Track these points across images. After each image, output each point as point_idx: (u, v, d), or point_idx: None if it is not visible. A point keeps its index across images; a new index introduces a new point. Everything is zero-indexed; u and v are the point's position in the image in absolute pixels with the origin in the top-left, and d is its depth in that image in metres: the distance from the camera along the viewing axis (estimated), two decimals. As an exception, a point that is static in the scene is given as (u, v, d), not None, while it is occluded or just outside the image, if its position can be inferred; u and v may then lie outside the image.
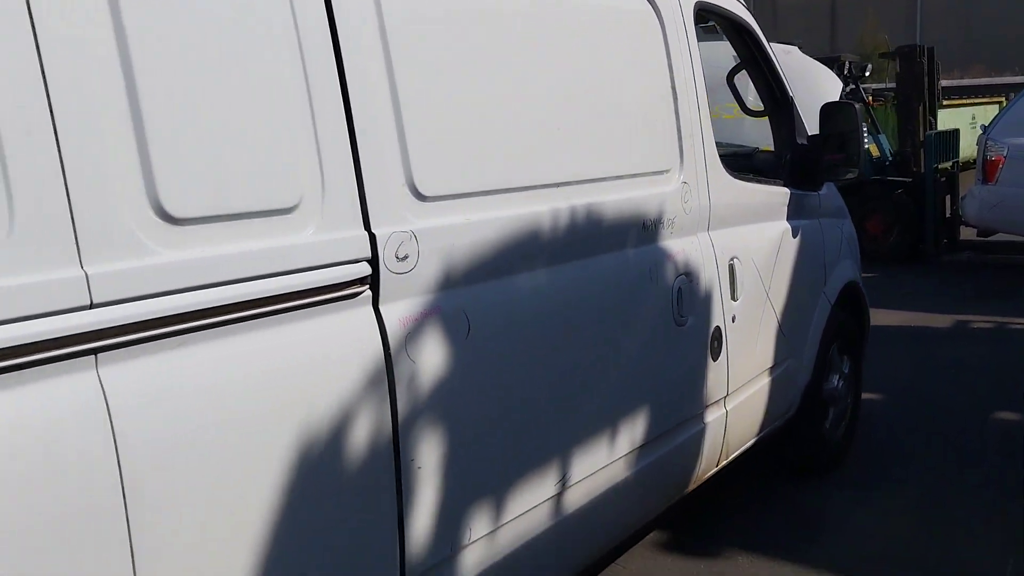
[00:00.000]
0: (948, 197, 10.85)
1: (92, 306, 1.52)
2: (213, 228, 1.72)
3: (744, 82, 4.37)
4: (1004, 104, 18.66)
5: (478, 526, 2.32)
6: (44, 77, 1.47)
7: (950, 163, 11.00)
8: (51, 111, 1.48)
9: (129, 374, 1.58)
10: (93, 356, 1.53)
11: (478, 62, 2.37)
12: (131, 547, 1.57)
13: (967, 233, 10.79)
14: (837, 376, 4.55)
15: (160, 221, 1.63)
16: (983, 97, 22.24)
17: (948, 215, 10.84)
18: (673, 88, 3.18)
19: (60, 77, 1.49)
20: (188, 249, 1.67)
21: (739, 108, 4.58)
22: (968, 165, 13.01)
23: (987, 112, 18.51)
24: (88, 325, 1.51)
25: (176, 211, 1.65)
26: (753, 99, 4.43)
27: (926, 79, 10.96)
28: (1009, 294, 8.63)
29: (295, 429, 1.83)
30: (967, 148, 12.99)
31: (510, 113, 2.47)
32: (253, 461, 1.76)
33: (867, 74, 11.65)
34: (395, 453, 2.05)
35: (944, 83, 16.13)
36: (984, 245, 10.72)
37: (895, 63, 11.52)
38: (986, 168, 9.87)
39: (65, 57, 1.50)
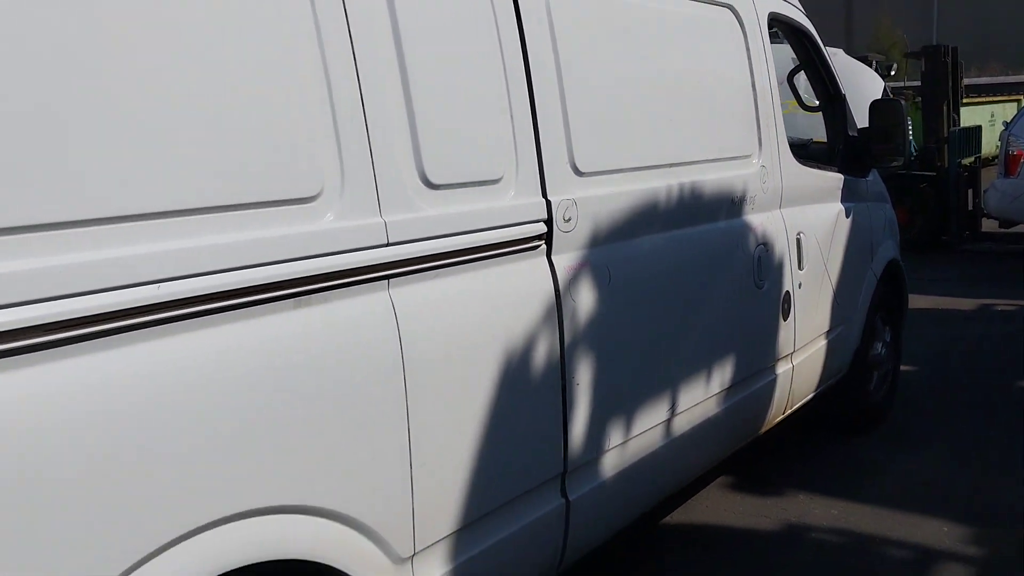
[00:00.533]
0: (970, 191, 11.37)
1: (388, 244, 2.11)
2: (456, 192, 2.31)
3: (799, 80, 4.93)
4: (1023, 102, 19.12)
5: (615, 436, 2.90)
6: (361, 95, 2.06)
7: (972, 158, 11.51)
8: (365, 115, 2.07)
9: (407, 294, 2.17)
10: (386, 280, 2.13)
11: (618, 67, 2.96)
12: (407, 423, 2.16)
13: (988, 226, 11.33)
14: (880, 343, 5.11)
15: (424, 187, 2.22)
16: (1001, 95, 22.69)
17: (970, 207, 11.37)
18: (753, 85, 3.75)
19: (372, 95, 2.09)
20: (442, 207, 2.26)
21: (795, 104, 5.15)
22: (988, 161, 13.52)
23: (1005, 110, 18.98)
24: (384, 258, 2.10)
25: (435, 180, 2.25)
26: (807, 96, 4.97)
27: (950, 78, 11.46)
28: (1029, 281, 9.17)
29: (503, 340, 2.42)
30: (987, 144, 13.49)
31: (637, 106, 3.05)
32: (475, 360, 2.35)
33: (892, 73, 12.17)
34: (562, 369, 2.64)
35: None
36: (1005, 236, 11.24)
37: (919, 62, 12.03)
38: (1008, 162, 10.40)
39: (375, 77, 2.10)
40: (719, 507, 4.25)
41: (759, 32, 3.85)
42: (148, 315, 1.68)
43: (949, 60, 11.44)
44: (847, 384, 4.84)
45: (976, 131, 11.99)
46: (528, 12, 2.58)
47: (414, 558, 2.22)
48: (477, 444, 2.35)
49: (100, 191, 1.63)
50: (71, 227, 1.58)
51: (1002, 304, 8.17)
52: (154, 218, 1.70)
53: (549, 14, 2.66)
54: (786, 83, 4.80)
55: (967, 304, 8.20)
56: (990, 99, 20.49)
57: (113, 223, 1.64)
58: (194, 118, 1.77)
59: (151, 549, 1.66)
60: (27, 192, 1.53)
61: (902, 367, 5.65)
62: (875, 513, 4.11)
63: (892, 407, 5.30)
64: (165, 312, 1.70)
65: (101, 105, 1.63)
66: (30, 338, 1.51)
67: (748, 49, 3.75)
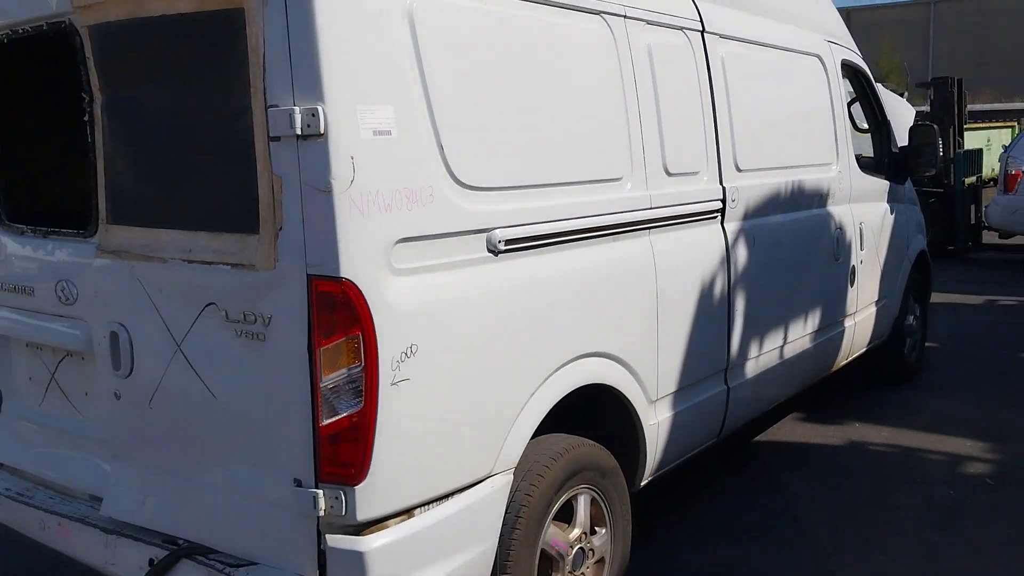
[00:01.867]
0: (973, 206, 12.79)
1: (650, 208, 3.47)
2: (680, 178, 3.67)
3: (855, 108, 6.32)
4: (1017, 128, 20.57)
5: (754, 349, 4.25)
6: (641, 127, 3.43)
7: (975, 177, 12.93)
8: (642, 136, 3.44)
9: (657, 237, 3.53)
10: (648, 229, 3.48)
11: (759, 99, 4.34)
12: (657, 317, 3.51)
13: (988, 237, 12.77)
14: (912, 316, 6.48)
15: (666, 175, 3.58)
16: (995, 122, 24.26)
17: (973, 221, 12.78)
18: (832, 112, 5.13)
19: (646, 126, 3.45)
20: (673, 188, 3.62)
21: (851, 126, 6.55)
22: (986, 182, 14.94)
23: (1001, 135, 20.43)
24: (648, 216, 3.46)
25: (671, 171, 3.61)
26: (859, 121, 6.34)
27: (955, 106, 12.89)
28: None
29: (699, 270, 3.78)
30: (985, 166, 14.91)
31: (769, 125, 4.43)
32: (687, 278, 3.71)
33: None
34: (729, 293, 3.99)
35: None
36: (1004, 246, 12.66)
37: (928, 91, 13.47)
38: (1007, 180, 11.82)
39: (645, 118, 3.46)
40: (796, 431, 5.60)
41: (836, 74, 5.24)
42: (568, 236, 3.06)
43: (954, 91, 12.87)
44: (888, 346, 6.20)
45: (978, 153, 13.42)
46: (713, 66, 3.96)
47: (656, 402, 3.57)
48: (687, 335, 3.71)
49: (564, 169, 3.05)
50: (554, 186, 3.01)
51: (1005, 299, 9.57)
52: (577, 184, 3.10)
53: (724, 68, 4.04)
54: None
55: (975, 300, 9.59)
56: (987, 125, 21.97)
57: (568, 185, 3.07)
58: (584, 137, 3.15)
59: (558, 365, 3.01)
60: (544, 168, 2.96)
61: (926, 344, 7.01)
62: (914, 434, 5.47)
63: (920, 368, 6.67)
64: (576, 236, 3.09)
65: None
66: (531, 242, 2.92)
67: (830, 86, 5.13)
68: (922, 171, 6.09)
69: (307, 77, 2.33)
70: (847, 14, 55.78)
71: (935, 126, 6.17)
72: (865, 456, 5.20)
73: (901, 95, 13.40)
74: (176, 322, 2.70)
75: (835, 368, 5.48)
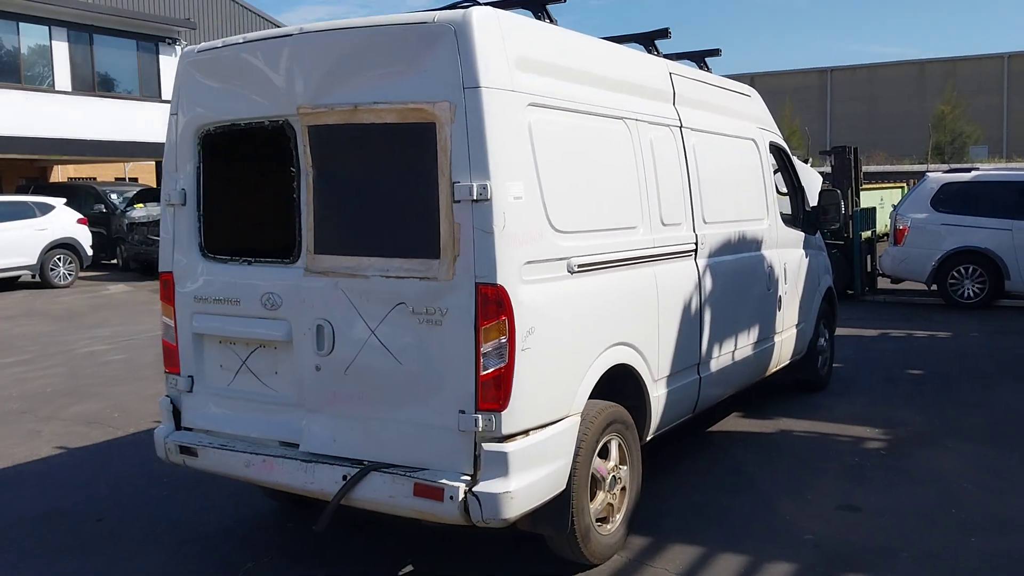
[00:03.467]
0: (869, 256, 14.92)
1: (653, 247, 5.11)
2: (669, 227, 5.32)
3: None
4: (906, 189, 23.18)
5: (716, 350, 5.90)
6: (648, 192, 5.09)
7: (870, 232, 15.07)
8: (649, 199, 5.09)
9: (658, 268, 5.17)
10: (652, 262, 5.11)
11: (715, 169, 6.05)
12: (657, 321, 5.13)
13: (882, 283, 14.93)
14: (823, 339, 8.27)
15: (661, 225, 5.23)
16: (888, 182, 27.18)
17: (870, 269, 14.91)
18: (763, 179, 6.90)
19: (650, 191, 5.11)
20: (667, 233, 5.27)
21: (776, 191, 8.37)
22: (879, 236, 17.20)
23: (892, 194, 23.08)
24: (652, 252, 5.10)
25: (665, 220, 5.26)
26: (780, 186, 8.16)
27: (852, 170, 15.05)
28: (912, 319, 12.59)
29: (682, 290, 5.43)
30: (878, 222, 17.18)
31: (722, 189, 6.14)
32: (674, 294, 5.35)
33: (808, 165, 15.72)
34: (700, 309, 5.63)
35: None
36: (895, 290, 14.82)
37: (829, 157, 15.64)
38: (896, 234, 13.96)
39: (652, 186, 5.12)
40: (739, 424, 7.26)
41: (765, 152, 7.04)
42: (630, 260, 4.72)
43: (851, 157, 15.04)
44: (805, 361, 7.95)
45: (872, 211, 15.61)
46: (688, 149, 5.65)
47: (656, 381, 5.16)
48: (675, 335, 5.32)
49: (605, 220, 4.67)
50: (601, 231, 4.65)
51: (895, 332, 11.55)
52: (613, 230, 4.74)
53: (694, 151, 5.74)
54: (770, 178, 7.97)
55: (872, 332, 11.55)
56: (880, 186, 24.68)
57: (608, 230, 4.70)
58: (616, 199, 4.77)
59: (603, 349, 4.58)
60: (595, 219, 4.58)
61: (834, 364, 8.80)
62: (827, 425, 7.19)
63: (830, 380, 8.46)
64: (613, 263, 4.71)
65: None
66: (590, 267, 4.50)
67: (761, 161, 6.91)
68: (829, 225, 7.93)
69: (479, 165, 3.89)
70: (752, 79, 59.71)
71: (839, 191, 8.03)
72: (792, 439, 6.88)
73: (805, 161, 15.51)
74: (371, 316, 4.18)
75: (767, 374, 7.18)
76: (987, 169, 16.25)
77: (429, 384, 4.08)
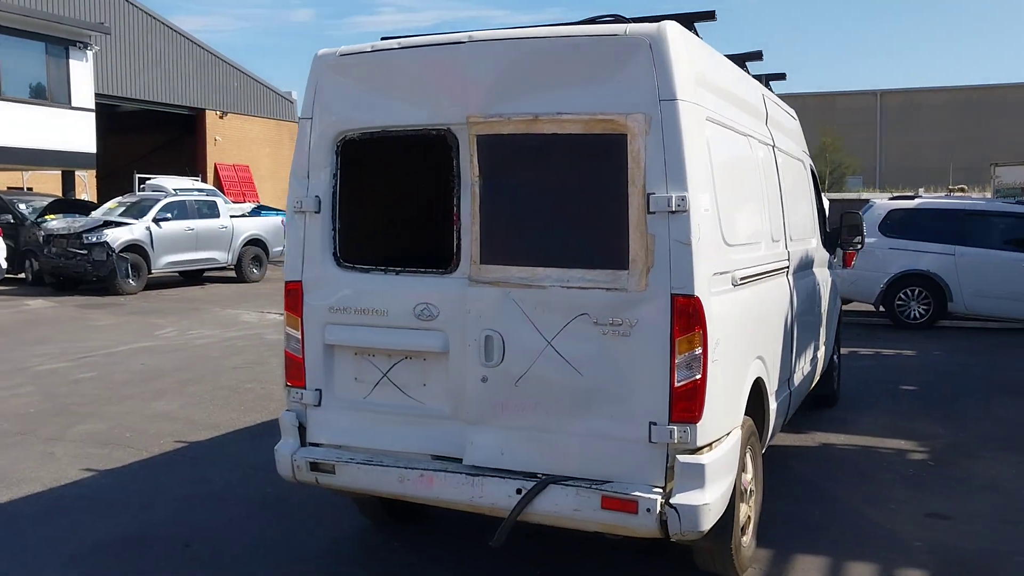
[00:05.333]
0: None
1: (788, 261, 5.23)
2: (776, 243, 5.45)
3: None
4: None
5: (798, 364, 6.06)
6: (774, 213, 5.21)
7: (815, 254, 15.74)
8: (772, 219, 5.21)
9: (777, 280, 5.29)
10: (787, 271, 5.23)
11: (794, 190, 6.23)
12: (776, 326, 5.24)
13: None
14: (836, 355, 8.58)
15: (772, 242, 5.35)
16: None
17: (816, 290, 15.55)
18: (812, 198, 7.15)
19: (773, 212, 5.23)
20: (773, 250, 5.40)
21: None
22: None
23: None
24: (785, 262, 5.22)
25: (791, 236, 5.40)
26: (798, 207, 8.45)
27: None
28: (870, 339, 13.19)
29: (782, 307, 5.56)
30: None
31: (799, 209, 6.32)
32: (782, 310, 5.47)
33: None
34: (791, 324, 5.78)
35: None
36: (843, 311, 15.44)
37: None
38: (845, 257, 14.57)
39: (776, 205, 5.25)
40: (782, 440, 7.44)
41: (812, 173, 7.29)
42: (762, 275, 4.79)
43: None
44: (826, 377, 8.23)
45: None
46: (778, 165, 5.81)
47: (770, 395, 5.25)
48: (779, 348, 5.45)
49: (758, 234, 4.74)
50: (755, 244, 4.78)
51: (863, 350, 12.08)
52: (763, 243, 4.83)
53: (780, 168, 5.90)
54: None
55: (843, 350, 12.01)
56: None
57: (760, 243, 4.80)
58: (767, 215, 4.87)
59: (751, 361, 4.65)
60: (751, 233, 4.64)
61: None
62: (863, 438, 7.47)
63: (839, 396, 8.78)
64: (762, 274, 4.79)
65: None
66: (752, 278, 4.60)
67: (810, 180, 7.16)
68: (852, 246, 8.26)
69: (676, 176, 3.91)
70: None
71: (860, 213, 8.37)
72: (838, 452, 7.11)
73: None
74: (547, 327, 4.12)
75: (812, 388, 7.41)
76: (928, 197, 17.20)
77: (613, 395, 4.05)
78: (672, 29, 4.02)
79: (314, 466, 4.59)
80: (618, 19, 4.46)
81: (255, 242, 21.92)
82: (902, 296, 14.16)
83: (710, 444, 4.06)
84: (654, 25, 4.02)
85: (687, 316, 3.93)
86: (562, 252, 4.16)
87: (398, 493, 4.43)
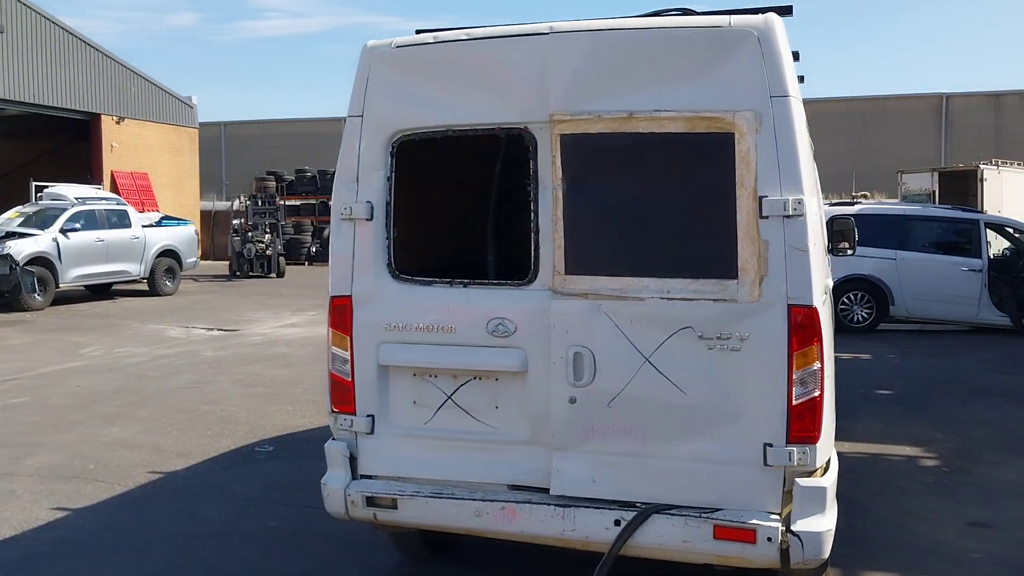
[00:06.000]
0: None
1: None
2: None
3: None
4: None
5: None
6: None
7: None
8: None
9: None
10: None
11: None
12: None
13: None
14: (823, 361, 8.52)
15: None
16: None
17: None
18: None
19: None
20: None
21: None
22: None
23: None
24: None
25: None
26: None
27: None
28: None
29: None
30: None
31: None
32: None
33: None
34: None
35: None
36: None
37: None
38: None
39: None
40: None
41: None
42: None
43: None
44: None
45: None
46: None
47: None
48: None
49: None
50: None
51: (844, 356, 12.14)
52: None
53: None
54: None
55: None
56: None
57: None
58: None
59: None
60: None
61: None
62: (868, 446, 7.41)
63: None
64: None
65: None
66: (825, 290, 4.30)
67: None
68: (844, 253, 8.18)
69: (791, 178, 3.64)
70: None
71: (851, 217, 8.31)
72: (850, 460, 6.98)
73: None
74: (644, 342, 3.79)
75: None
76: (869, 203, 17.56)
77: (721, 415, 3.75)
78: (778, 21, 3.75)
79: (371, 501, 4.14)
80: (686, 12, 4.18)
81: (168, 253, 20.78)
82: (845, 300, 14.36)
83: (825, 465, 3.80)
84: (759, 17, 3.75)
85: (805, 328, 3.67)
86: (661, 261, 3.85)
87: (473, 528, 4.03)
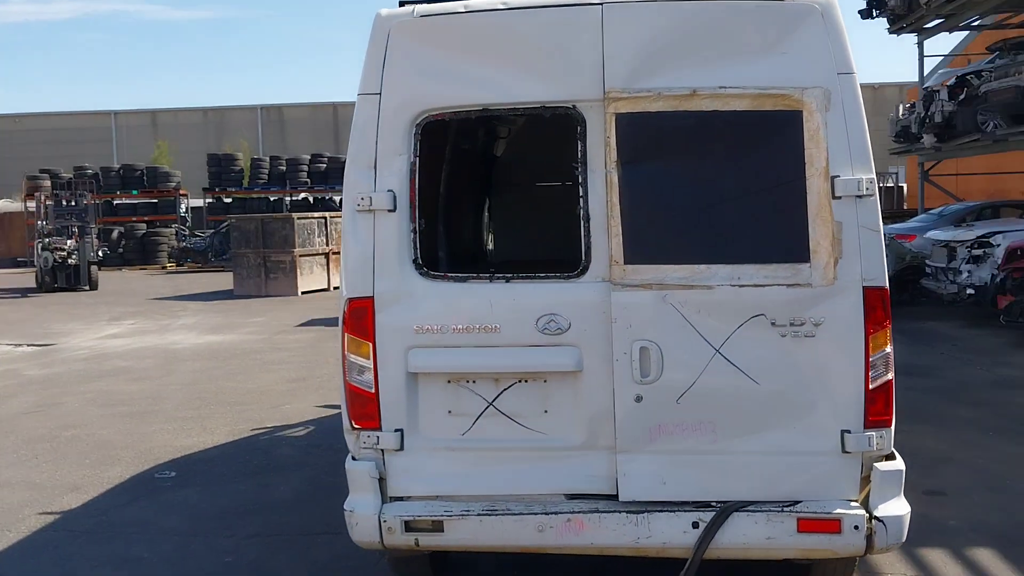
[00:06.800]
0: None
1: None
2: None
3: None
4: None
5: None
6: None
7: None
8: None
9: None
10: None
11: None
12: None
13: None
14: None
15: None
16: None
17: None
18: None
19: None
20: None
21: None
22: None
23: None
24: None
25: None
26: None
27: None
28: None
29: None
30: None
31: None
32: None
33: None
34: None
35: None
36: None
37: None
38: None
39: None
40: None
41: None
42: None
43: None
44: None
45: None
46: None
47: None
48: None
49: None
50: None
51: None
52: None
53: None
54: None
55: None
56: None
57: None
58: None
59: None
60: None
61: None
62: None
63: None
64: None
65: None
66: None
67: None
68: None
69: (861, 157, 3.55)
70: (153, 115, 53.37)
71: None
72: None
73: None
74: (713, 332, 3.59)
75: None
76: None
77: (796, 405, 3.62)
78: None
79: (410, 525, 3.69)
80: None
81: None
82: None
83: (894, 448, 3.76)
84: None
85: (880, 310, 3.59)
86: (729, 246, 3.66)
87: (535, 545, 3.68)
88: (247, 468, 6.65)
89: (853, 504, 3.59)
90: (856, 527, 3.53)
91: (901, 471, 3.63)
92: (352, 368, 3.79)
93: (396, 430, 3.76)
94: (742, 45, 3.59)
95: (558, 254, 4.85)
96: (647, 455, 3.67)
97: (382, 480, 3.77)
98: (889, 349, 3.61)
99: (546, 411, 3.74)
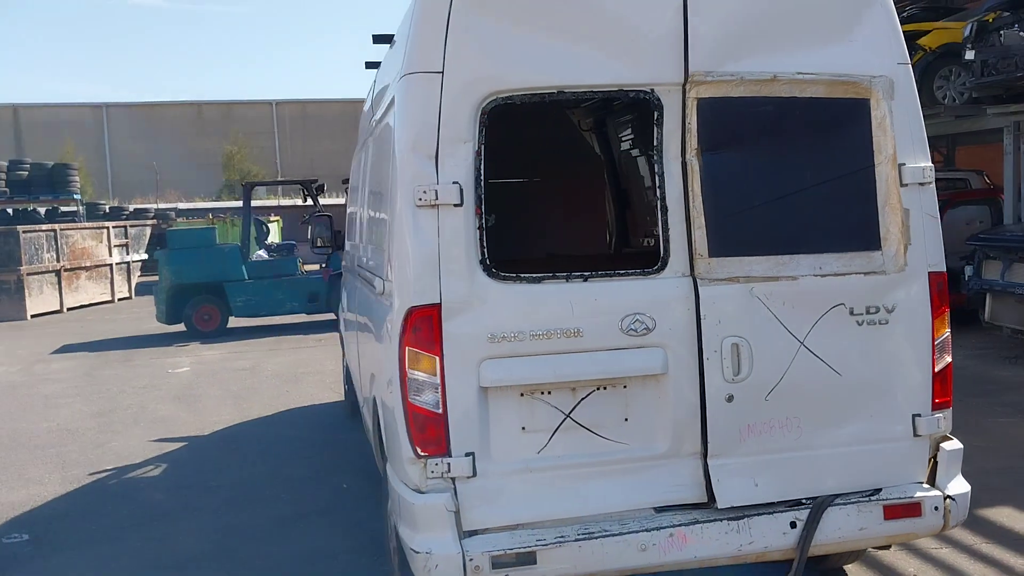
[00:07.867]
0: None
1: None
2: None
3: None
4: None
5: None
6: None
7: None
8: None
9: None
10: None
11: None
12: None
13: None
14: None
15: None
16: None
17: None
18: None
19: None
20: None
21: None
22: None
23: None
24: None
25: None
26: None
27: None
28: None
29: None
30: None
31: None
32: None
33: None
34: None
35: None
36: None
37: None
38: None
39: None
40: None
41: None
42: None
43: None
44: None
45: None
46: None
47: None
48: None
49: None
50: None
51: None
52: None
53: None
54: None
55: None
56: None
57: None
58: None
59: None
60: None
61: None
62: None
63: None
64: None
65: None
66: None
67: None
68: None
69: (920, 145, 3.61)
70: (15, 110, 53.94)
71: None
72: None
73: (322, 186, 15.26)
74: (797, 325, 3.50)
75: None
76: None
77: (874, 392, 3.62)
78: None
79: (498, 561, 3.26)
80: None
81: None
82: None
83: None
84: None
85: (941, 294, 3.68)
86: (809, 235, 3.58)
87: (637, 566, 3.38)
88: (121, 520, 5.64)
89: (924, 486, 3.64)
90: (936, 508, 3.59)
91: (962, 449, 3.74)
92: (415, 387, 3.29)
93: (467, 454, 3.31)
94: (818, 30, 3.54)
95: (556, 250, 4.56)
96: (738, 457, 3.50)
97: (456, 513, 3.30)
98: (948, 332, 3.71)
99: (626, 419, 3.46)
